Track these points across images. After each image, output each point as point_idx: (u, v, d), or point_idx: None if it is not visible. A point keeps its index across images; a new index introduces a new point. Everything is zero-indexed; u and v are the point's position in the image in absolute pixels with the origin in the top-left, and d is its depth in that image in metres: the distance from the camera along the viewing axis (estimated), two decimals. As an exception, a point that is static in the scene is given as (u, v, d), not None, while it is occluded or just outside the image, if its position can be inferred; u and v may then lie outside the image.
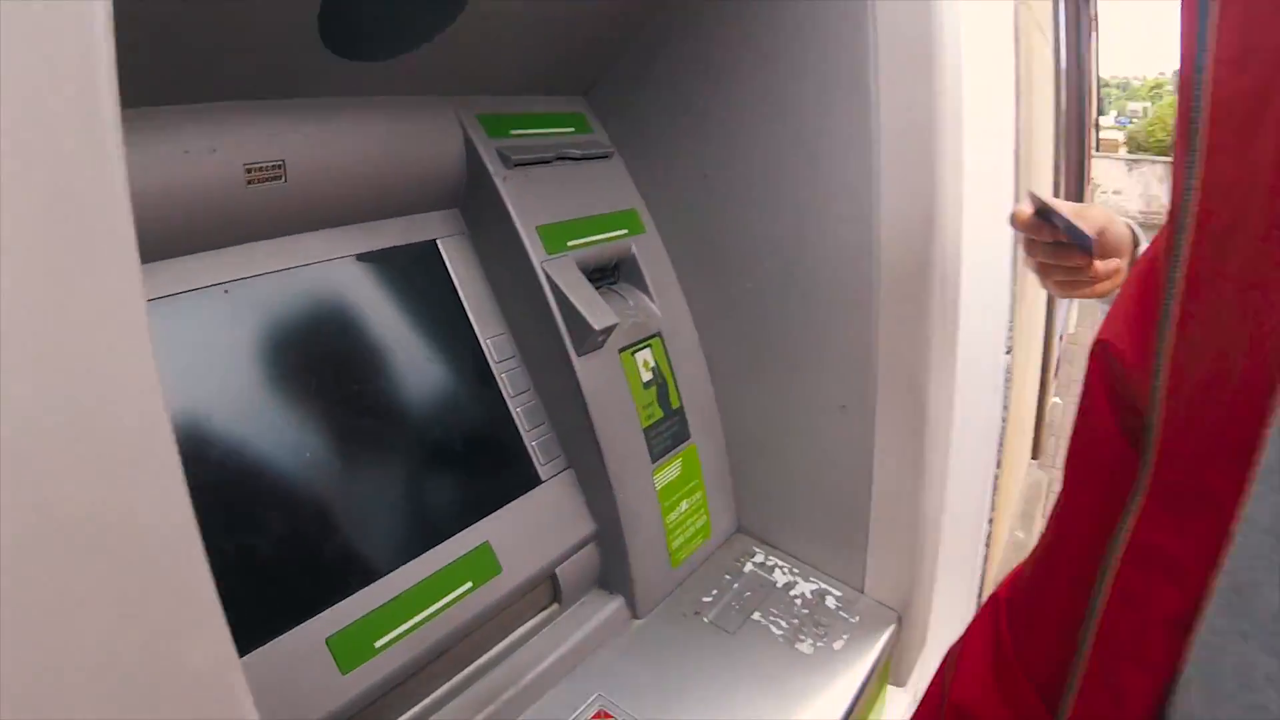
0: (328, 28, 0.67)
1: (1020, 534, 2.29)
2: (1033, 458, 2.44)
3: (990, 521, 1.71)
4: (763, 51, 0.91)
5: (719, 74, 0.95)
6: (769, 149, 0.94)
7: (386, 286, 0.85)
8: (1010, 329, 1.58)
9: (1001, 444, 1.68)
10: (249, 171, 0.70)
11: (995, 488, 1.69)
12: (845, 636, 1.03)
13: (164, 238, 0.67)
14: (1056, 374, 4.65)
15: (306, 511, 0.73)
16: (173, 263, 0.68)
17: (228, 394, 0.70)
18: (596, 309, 0.88)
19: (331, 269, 0.80)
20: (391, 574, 0.76)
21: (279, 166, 0.73)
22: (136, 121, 0.62)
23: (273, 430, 0.72)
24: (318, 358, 0.77)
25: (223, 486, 0.68)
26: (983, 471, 1.63)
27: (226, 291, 0.71)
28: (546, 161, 0.93)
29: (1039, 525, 2.46)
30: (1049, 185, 2.61)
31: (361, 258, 0.83)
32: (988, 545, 1.74)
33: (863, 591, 1.11)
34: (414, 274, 0.87)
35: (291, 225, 0.78)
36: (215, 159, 0.68)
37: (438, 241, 0.90)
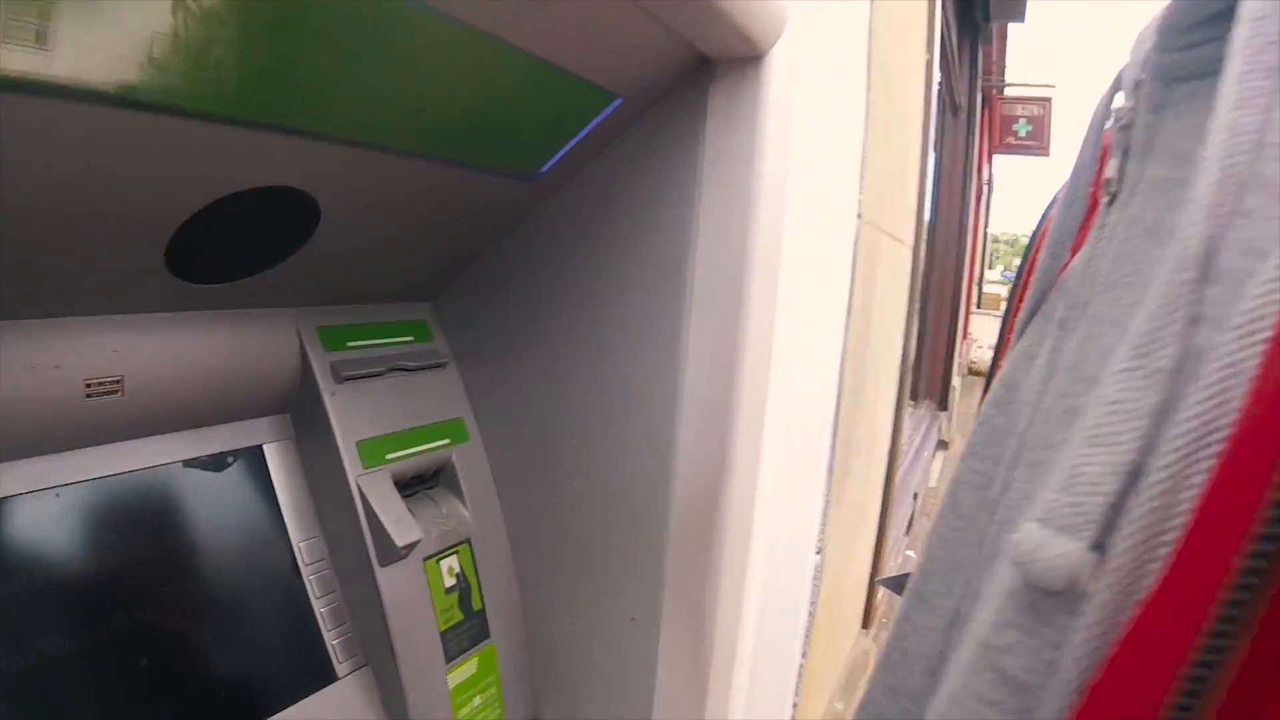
0: (176, 259, 0.75)
1: (840, 705, 2.39)
2: (863, 626, 2.56)
3: (795, 705, 1.80)
4: (598, 290, 1.02)
5: (560, 298, 1.06)
6: (593, 378, 1.04)
7: (209, 490, 0.91)
8: (822, 530, 1.71)
9: (807, 640, 1.78)
10: (88, 386, 0.77)
11: (800, 675, 1.78)
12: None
13: (4, 444, 0.73)
14: (909, 530, 4.82)
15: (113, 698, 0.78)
16: (11, 466, 0.74)
17: (44, 597, 0.75)
18: (402, 525, 0.95)
19: (158, 474, 0.86)
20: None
21: (118, 382, 0.80)
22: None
23: (82, 622, 0.77)
24: (140, 553, 0.83)
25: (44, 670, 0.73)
26: (785, 661, 1.72)
27: (57, 495, 0.77)
28: (378, 375, 1.02)
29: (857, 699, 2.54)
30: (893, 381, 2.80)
31: (189, 463, 0.89)
32: (794, 728, 1.83)
33: (653, 792, 1.17)
34: (238, 478, 0.94)
35: (126, 432, 0.84)
36: (57, 374, 0.75)
37: (264, 447, 0.97)
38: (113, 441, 0.83)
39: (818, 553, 1.70)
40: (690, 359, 0.98)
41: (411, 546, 0.96)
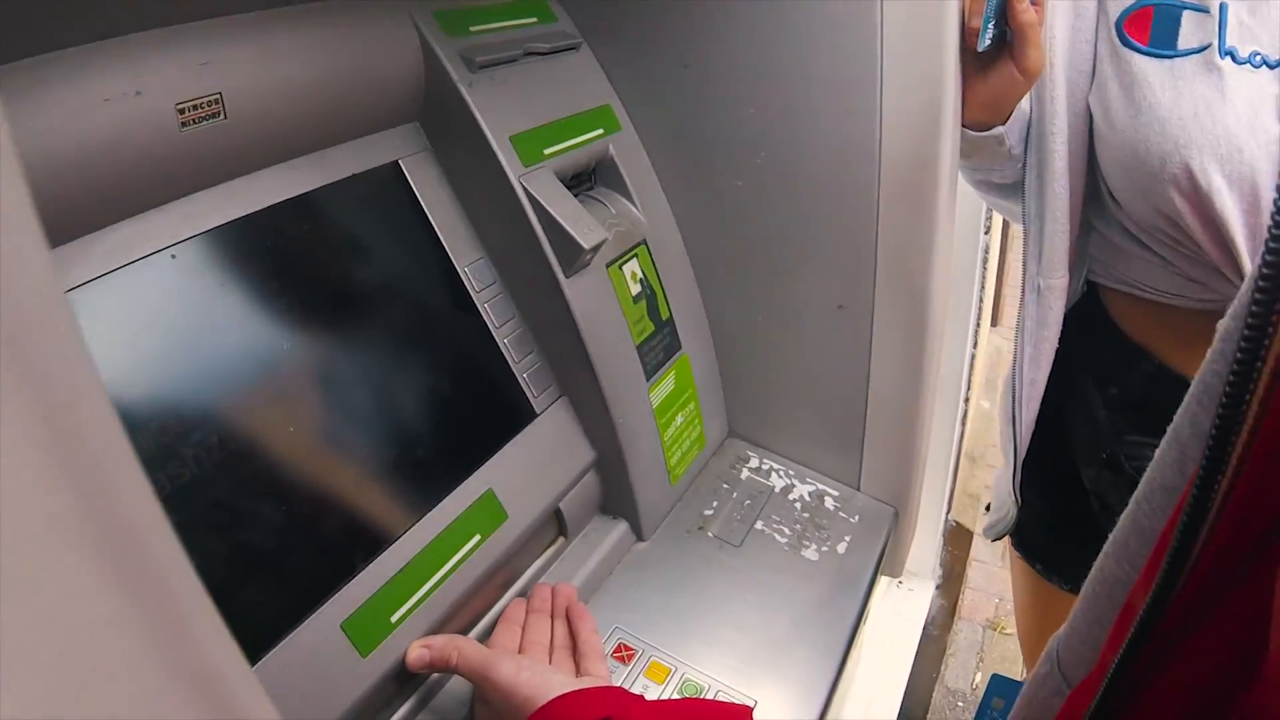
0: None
1: (985, 403, 2.32)
2: (992, 325, 2.46)
3: (966, 400, 1.71)
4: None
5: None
6: (757, 36, 0.86)
7: (349, 222, 0.77)
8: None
9: (979, 322, 1.66)
10: (182, 112, 0.60)
11: (971, 365, 1.69)
12: (847, 538, 1.02)
13: (92, 205, 0.57)
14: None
15: (301, 493, 0.67)
16: (106, 233, 0.59)
17: (192, 375, 0.62)
18: (584, 225, 0.81)
19: (286, 212, 0.71)
20: (398, 542, 0.71)
21: (216, 101, 0.62)
22: (37, 71, 0.52)
23: (250, 410, 0.65)
24: (285, 317, 0.69)
25: (208, 482, 0.61)
26: (961, 350, 1.62)
27: (174, 257, 0.62)
28: (513, 60, 0.84)
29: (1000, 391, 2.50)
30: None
31: (317, 193, 0.74)
32: (963, 421, 1.75)
33: (859, 489, 1.10)
34: (378, 204, 0.79)
35: (236, 167, 0.68)
36: (141, 103, 0.58)
37: (400, 162, 0.81)
38: (223, 181, 0.67)
39: (986, 231, 1.55)
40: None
41: (598, 248, 0.82)
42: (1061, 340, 1.02)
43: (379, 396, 0.74)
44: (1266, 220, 0.30)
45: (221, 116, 0.63)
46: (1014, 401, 1.06)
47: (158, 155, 0.60)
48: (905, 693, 1.81)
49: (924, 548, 1.87)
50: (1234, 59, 0.81)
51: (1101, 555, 0.50)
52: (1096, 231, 1.00)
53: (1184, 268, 0.90)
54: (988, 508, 1.29)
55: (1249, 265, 0.82)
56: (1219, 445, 0.32)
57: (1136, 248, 0.95)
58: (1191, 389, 0.41)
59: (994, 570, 2.50)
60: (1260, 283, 0.30)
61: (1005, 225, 1.94)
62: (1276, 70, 0.81)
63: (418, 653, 0.71)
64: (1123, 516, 0.48)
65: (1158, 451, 0.44)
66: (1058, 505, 1.14)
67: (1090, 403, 1.06)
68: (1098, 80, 0.91)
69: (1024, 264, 1.01)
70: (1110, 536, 0.49)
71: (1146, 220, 0.89)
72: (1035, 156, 0.96)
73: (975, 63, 0.83)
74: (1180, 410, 0.42)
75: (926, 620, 2.01)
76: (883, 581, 1.83)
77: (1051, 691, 0.56)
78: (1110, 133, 0.89)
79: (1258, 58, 0.81)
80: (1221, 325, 0.37)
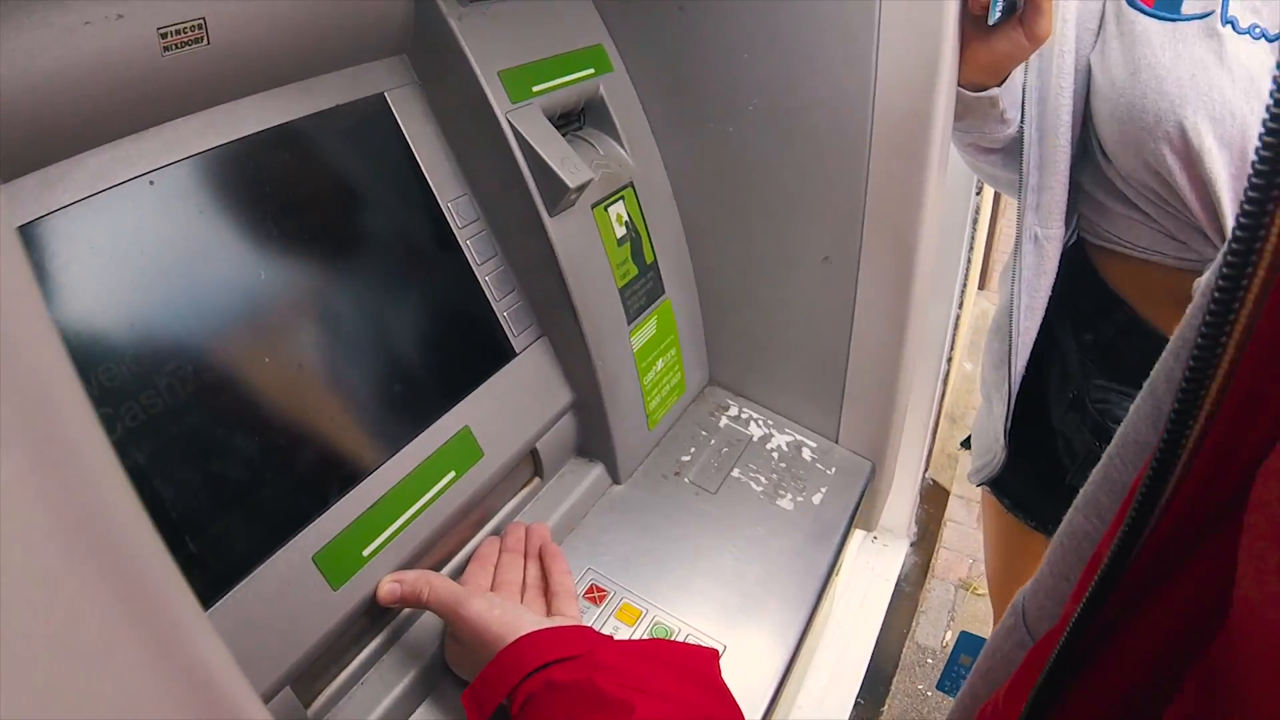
0: None
1: (969, 365, 2.33)
2: (980, 287, 2.45)
3: (949, 360, 1.72)
4: None
5: None
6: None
7: (332, 153, 0.75)
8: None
9: (965, 283, 1.66)
10: (164, 36, 0.59)
11: (955, 325, 1.69)
12: (823, 489, 1.03)
13: (71, 129, 0.56)
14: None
15: (276, 425, 0.66)
16: (84, 158, 0.57)
17: (168, 303, 0.61)
18: (570, 164, 0.80)
19: (268, 140, 0.69)
20: (372, 475, 0.71)
21: (199, 26, 0.61)
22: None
23: (226, 340, 0.64)
24: (264, 247, 0.68)
25: (182, 412, 0.60)
26: (946, 310, 1.62)
27: (152, 183, 0.61)
28: (504, -7, 0.83)
29: (986, 341, 2.51)
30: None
31: (300, 123, 0.72)
32: (944, 381, 1.76)
33: (836, 442, 1.10)
34: (362, 136, 0.77)
35: (218, 94, 0.66)
36: (123, 26, 0.56)
37: (385, 95, 0.80)
38: (206, 108, 0.66)
39: (977, 193, 1.54)
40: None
41: (583, 188, 0.81)
42: None
43: (357, 330, 0.74)
44: None
45: (204, 42, 0.62)
46: (1010, 351, 1.07)
47: (138, 80, 0.59)
48: (875, 647, 1.84)
49: (900, 504, 1.89)
50: (1234, 28, 0.83)
51: (1071, 509, 0.51)
52: (1085, 192, 1.02)
53: (1168, 226, 0.92)
54: (964, 443, 1.31)
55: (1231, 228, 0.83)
56: (1190, 396, 0.32)
57: (1123, 206, 0.97)
58: (1169, 344, 0.41)
59: (969, 531, 2.53)
60: (1237, 231, 0.30)
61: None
62: (1275, 44, 0.83)
63: (389, 587, 0.71)
64: (1094, 471, 0.48)
65: (1132, 406, 0.44)
66: (1028, 445, 1.16)
67: (1065, 347, 1.09)
68: (1102, 37, 0.92)
69: (1020, 215, 1.02)
70: (1081, 491, 0.49)
71: (1136, 177, 0.91)
72: (1036, 110, 0.97)
73: (978, 27, 0.83)
74: (1157, 365, 0.42)
75: (900, 576, 2.04)
76: (857, 536, 1.86)
77: (1016, 644, 0.57)
78: (1109, 88, 0.90)
79: (1257, 30, 0.83)
80: (1200, 281, 0.37)
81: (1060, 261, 1.03)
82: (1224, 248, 0.31)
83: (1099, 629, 0.39)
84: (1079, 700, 0.40)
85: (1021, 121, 0.99)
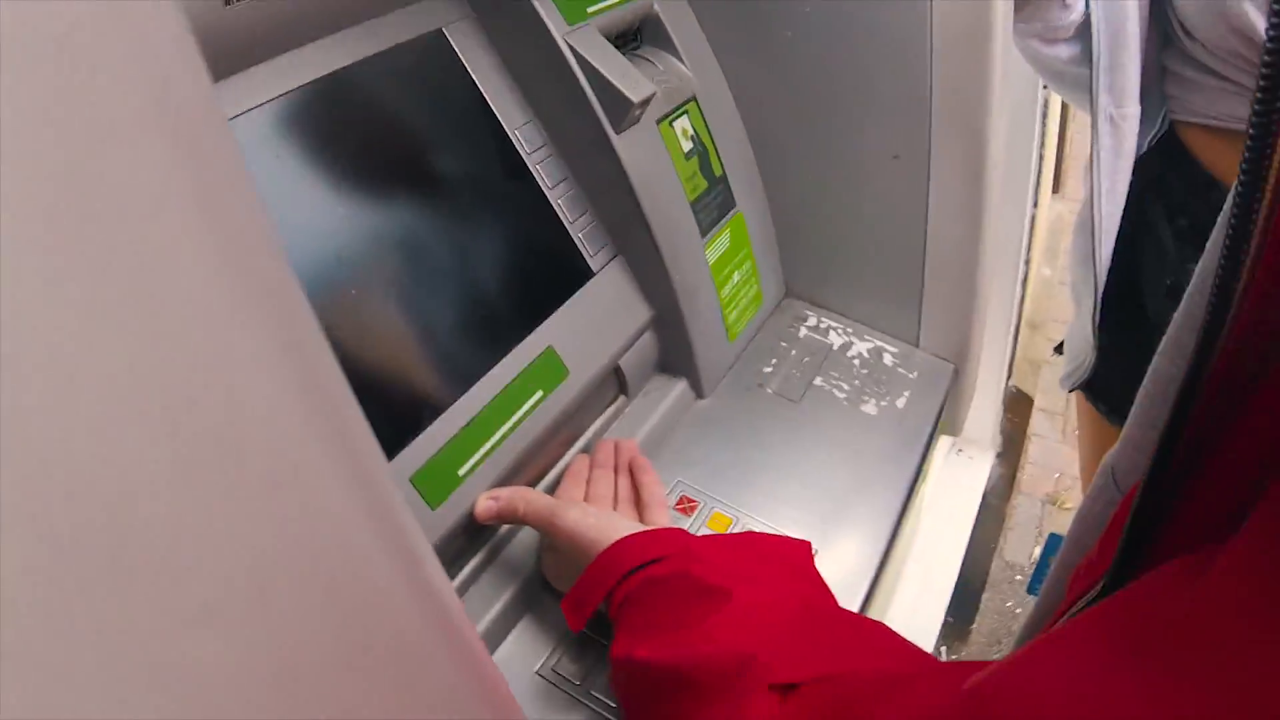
0: None
1: (1046, 270, 2.28)
2: (1054, 191, 2.39)
3: (1027, 263, 1.68)
4: None
5: None
6: None
7: (398, 91, 0.77)
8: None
9: (1038, 182, 1.62)
10: None
11: (1031, 227, 1.65)
12: (906, 393, 1.02)
13: None
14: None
15: (369, 354, 0.69)
16: None
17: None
18: (631, 79, 0.80)
19: (336, 83, 0.71)
20: (463, 398, 0.73)
21: None
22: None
23: (316, 277, 0.66)
24: (341, 187, 0.70)
25: None
26: (1021, 211, 1.58)
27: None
28: (551, -85, 0.82)
29: (1062, 261, 2.45)
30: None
31: (365, 64, 0.74)
32: (1023, 285, 1.73)
33: (918, 346, 1.10)
34: (425, 72, 0.78)
35: (282, 42, 0.67)
36: None
37: (444, 29, 0.80)
38: (269, 58, 0.67)
39: (1045, 86, 1.49)
40: None
41: (647, 102, 0.82)
42: (1134, 176, 1.01)
43: (439, 260, 0.76)
44: None
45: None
46: (1093, 239, 1.05)
47: (204, 32, 0.60)
48: (963, 563, 1.83)
49: (985, 414, 1.87)
50: None
51: (1156, 355, 0.49)
52: (1170, 72, 0.99)
53: None
54: (1058, 349, 1.29)
55: None
56: (1243, 210, 0.31)
57: (1212, 79, 0.94)
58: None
59: (1053, 445, 2.49)
60: (1264, 70, 0.29)
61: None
62: None
63: (485, 504, 0.74)
64: (1176, 312, 0.47)
65: (1208, 243, 0.43)
66: (1123, 344, 1.14)
67: (1160, 234, 1.06)
68: None
69: (1093, 98, 0.99)
70: (1165, 335, 0.48)
71: (1223, 45, 0.88)
72: None
73: None
74: None
75: (986, 489, 2.02)
76: (943, 447, 1.84)
77: (1106, 504, 0.56)
78: None
79: None
80: None
81: (1151, 151, 1.01)
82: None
83: (1178, 464, 0.37)
84: (1172, 533, 0.39)
85: (1087, 6, 0.96)
